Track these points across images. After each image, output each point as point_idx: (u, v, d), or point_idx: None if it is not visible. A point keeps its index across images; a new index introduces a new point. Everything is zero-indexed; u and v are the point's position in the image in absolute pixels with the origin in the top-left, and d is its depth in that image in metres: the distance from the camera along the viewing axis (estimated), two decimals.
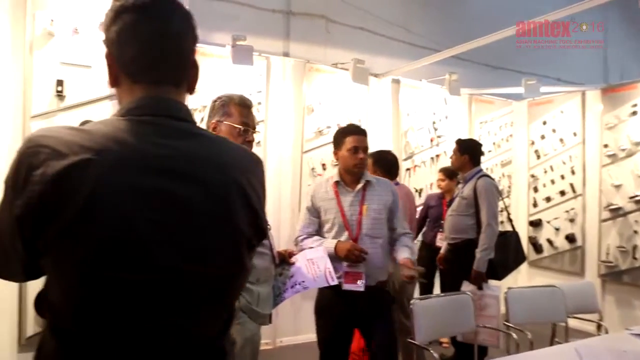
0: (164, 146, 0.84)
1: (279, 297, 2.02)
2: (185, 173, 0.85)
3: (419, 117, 4.38)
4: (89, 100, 2.59)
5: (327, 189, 2.29)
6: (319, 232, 2.29)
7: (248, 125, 1.68)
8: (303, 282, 2.00)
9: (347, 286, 2.16)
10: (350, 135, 2.25)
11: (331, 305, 2.23)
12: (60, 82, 2.53)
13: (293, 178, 3.69)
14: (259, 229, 0.96)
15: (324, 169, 3.78)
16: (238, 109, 1.68)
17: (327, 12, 4.18)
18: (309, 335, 3.84)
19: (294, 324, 3.75)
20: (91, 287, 0.81)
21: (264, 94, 3.54)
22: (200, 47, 3.31)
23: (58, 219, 0.77)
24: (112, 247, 0.79)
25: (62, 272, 0.81)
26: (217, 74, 3.37)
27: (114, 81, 0.91)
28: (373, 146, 3.78)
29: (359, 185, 2.24)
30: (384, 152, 3.16)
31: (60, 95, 2.54)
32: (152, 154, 0.83)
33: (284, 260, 2.00)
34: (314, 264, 2.04)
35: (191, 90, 0.96)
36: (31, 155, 0.79)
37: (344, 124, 3.83)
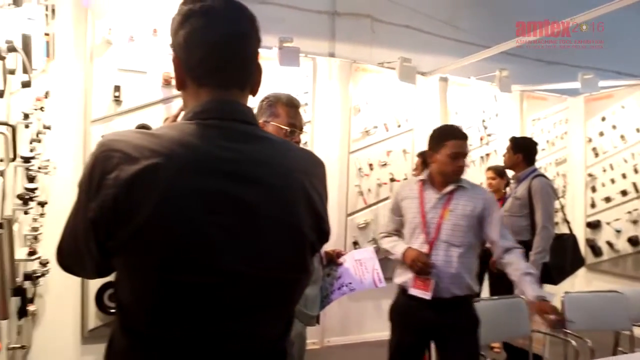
0: (229, 149, 0.85)
1: (327, 299, 2.01)
2: (250, 176, 0.86)
3: (467, 115, 4.27)
4: (143, 105, 2.70)
5: (412, 187, 2.19)
6: (400, 231, 2.21)
7: (295, 126, 1.67)
8: (350, 283, 1.98)
9: (413, 291, 2.07)
10: (451, 140, 2.08)
11: (405, 310, 2.15)
12: (117, 88, 2.65)
13: (340, 178, 3.69)
14: (322, 232, 0.95)
15: (371, 169, 3.76)
16: (285, 109, 1.67)
17: (372, 12, 4.15)
18: (357, 336, 3.85)
19: (342, 324, 3.75)
20: (159, 289, 0.83)
21: (311, 95, 3.56)
22: None
23: (130, 222, 0.79)
24: (179, 250, 0.81)
25: (131, 273, 0.84)
26: (265, 76, 3.40)
27: (180, 84, 0.94)
28: (422, 146, 3.74)
29: (447, 189, 2.10)
30: None
31: (117, 100, 2.66)
32: (218, 158, 0.84)
33: (332, 260, 1.99)
34: (362, 265, 2.00)
35: (254, 92, 0.98)
36: (104, 160, 0.81)
37: (390, 124, 3.86)
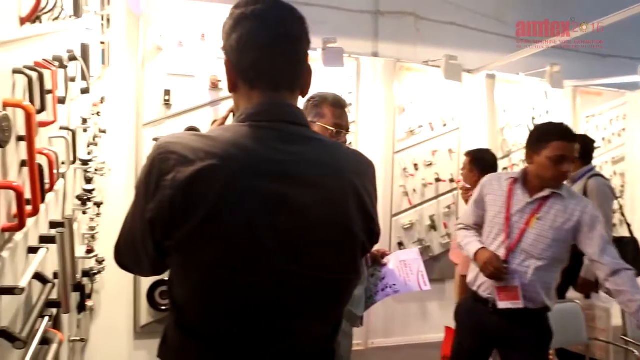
0: (282, 151, 0.87)
1: (370, 300, 1.98)
2: (302, 177, 0.87)
3: (516, 113, 4.13)
4: (192, 108, 2.78)
5: (501, 183, 2.01)
6: (480, 226, 2.06)
7: (341, 126, 1.66)
8: (394, 285, 1.93)
9: (502, 304, 1.88)
10: (556, 140, 1.85)
11: (469, 312, 2.07)
12: (167, 92, 2.74)
13: (384, 179, 3.65)
14: (373, 233, 0.95)
15: (416, 169, 3.70)
16: (331, 109, 1.66)
17: (416, 10, 4.08)
18: (401, 337, 3.81)
19: (386, 325, 3.72)
20: (212, 287, 0.85)
21: (355, 95, 3.55)
22: None
23: (186, 222, 0.81)
24: (234, 250, 0.83)
25: (187, 272, 0.87)
26: None
27: (232, 87, 0.96)
28: (468, 145, 3.65)
29: (541, 194, 1.90)
30: (482, 150, 3.03)
31: (167, 104, 2.75)
32: (271, 159, 0.86)
33: (376, 260, 1.96)
34: (407, 266, 1.95)
35: (304, 93, 0.99)
36: (161, 162, 0.84)
37: (436, 123, 3.79)
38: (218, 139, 0.86)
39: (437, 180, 3.76)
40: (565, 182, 1.99)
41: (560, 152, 1.84)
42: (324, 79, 3.43)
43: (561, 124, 1.94)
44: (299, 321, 0.90)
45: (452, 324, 2.39)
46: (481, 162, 2.90)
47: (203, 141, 0.85)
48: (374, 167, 1.00)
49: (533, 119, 4.18)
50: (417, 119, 3.72)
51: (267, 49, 0.91)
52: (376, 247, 1.96)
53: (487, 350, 2.05)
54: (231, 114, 1.18)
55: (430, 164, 3.74)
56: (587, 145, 2.98)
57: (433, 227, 3.74)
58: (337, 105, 1.68)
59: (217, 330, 0.88)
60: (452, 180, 3.79)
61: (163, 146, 0.86)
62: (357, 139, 3.57)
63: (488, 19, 4.33)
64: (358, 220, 0.90)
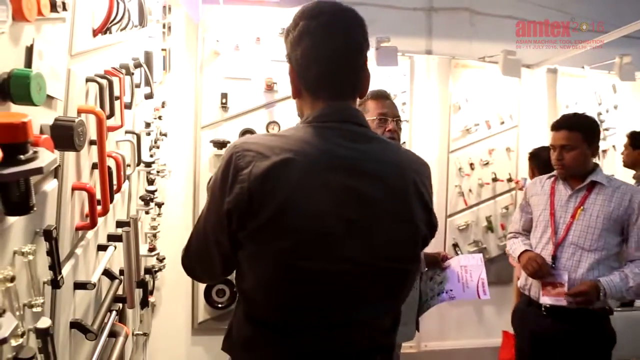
0: (349, 148, 0.94)
1: (426, 304, 1.94)
2: (368, 172, 0.94)
3: (580, 108, 3.89)
4: (248, 110, 2.84)
5: (543, 182, 2.05)
6: (529, 232, 2.08)
7: (386, 114, 1.69)
8: (451, 290, 1.88)
9: (544, 299, 1.88)
10: (551, 130, 1.97)
11: (522, 315, 2.05)
12: (224, 95, 2.81)
13: (439, 179, 3.57)
14: (432, 226, 1.01)
15: (472, 168, 3.59)
16: (373, 103, 1.71)
17: (470, 4, 3.96)
18: (455, 341, 3.71)
19: (440, 329, 3.63)
20: (284, 275, 0.90)
21: (409, 94, 3.50)
22: None
23: (262, 211, 0.87)
24: (306, 239, 0.89)
25: (259, 261, 0.92)
26: None
27: (297, 94, 1.04)
28: (528, 143, 3.50)
29: (580, 185, 1.91)
30: (541, 149, 2.90)
31: (224, 106, 2.82)
32: (340, 155, 0.93)
33: (437, 264, 1.93)
34: (468, 272, 1.89)
35: (362, 95, 1.05)
36: (238, 158, 0.90)
37: (493, 121, 3.66)
38: (290, 137, 0.94)
39: (494, 180, 3.62)
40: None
41: (552, 141, 1.96)
42: (376, 78, 3.40)
43: (565, 114, 2.05)
44: (365, 311, 0.95)
45: (510, 329, 2.30)
46: (540, 161, 2.79)
47: (276, 139, 0.94)
48: (429, 167, 1.06)
49: (599, 114, 3.94)
50: (473, 117, 3.61)
51: (330, 63, 0.97)
52: (430, 249, 1.95)
53: (549, 356, 1.96)
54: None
55: (487, 163, 3.62)
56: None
57: (490, 228, 3.61)
58: (378, 97, 1.73)
59: (286, 319, 0.94)
60: (510, 180, 3.64)
61: (239, 145, 0.93)
62: (411, 139, 3.51)
63: (549, 10, 4.12)
64: (419, 214, 0.97)
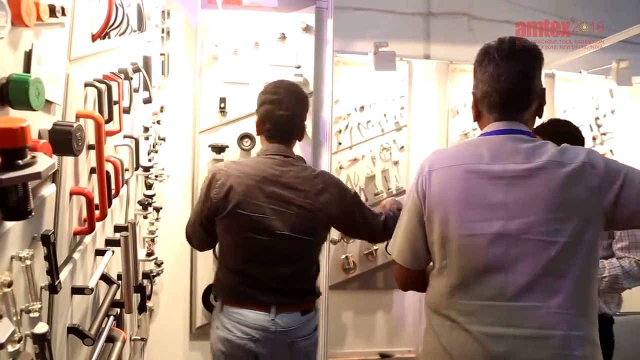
0: (275, 169, 1.83)
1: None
2: (288, 183, 1.78)
3: (578, 113, 3.92)
4: (246, 114, 2.83)
5: None
6: None
7: None
8: None
9: None
10: None
11: None
12: (223, 100, 2.81)
13: None
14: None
15: None
16: None
17: (469, 9, 3.98)
18: None
19: None
20: (241, 242, 1.77)
21: (407, 99, 3.51)
22: (342, 57, 3.41)
23: (226, 206, 1.76)
24: (252, 222, 1.73)
25: (227, 234, 1.79)
26: (360, 82, 3.43)
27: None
28: None
29: None
30: None
31: (223, 111, 2.82)
32: (270, 173, 1.79)
33: None
34: None
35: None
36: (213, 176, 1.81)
37: None
38: (245, 164, 1.90)
39: None
40: None
41: None
42: (375, 83, 3.41)
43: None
44: (287, 266, 1.79)
45: None
46: None
47: (238, 165, 1.89)
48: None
49: (596, 119, 3.96)
50: (471, 122, 3.56)
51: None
52: None
53: None
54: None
55: None
56: None
57: None
58: None
59: (241, 267, 1.79)
60: None
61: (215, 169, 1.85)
62: (410, 143, 3.52)
63: (547, 15, 4.14)
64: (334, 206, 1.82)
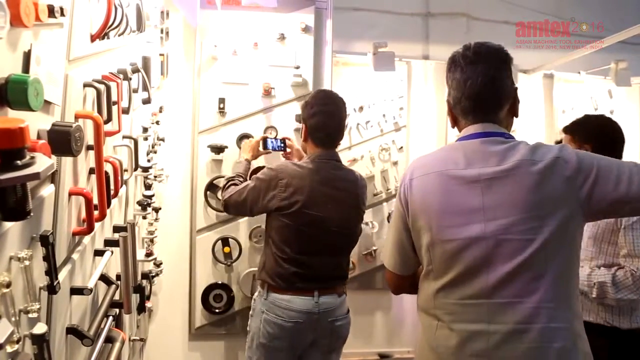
0: (330, 172, 2.11)
1: None
2: (339, 185, 2.14)
3: (577, 113, 3.90)
4: (245, 115, 2.83)
5: None
6: None
7: None
8: None
9: None
10: None
11: None
12: (222, 100, 2.81)
13: None
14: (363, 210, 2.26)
15: None
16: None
17: (468, 10, 3.98)
18: None
19: None
20: (297, 237, 2.04)
21: (406, 99, 3.51)
22: (341, 57, 3.42)
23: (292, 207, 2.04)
24: (312, 219, 2.02)
25: (286, 230, 2.04)
26: (359, 82, 3.44)
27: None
28: None
29: None
30: None
31: (222, 111, 2.82)
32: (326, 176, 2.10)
33: None
34: None
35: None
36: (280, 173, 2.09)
37: None
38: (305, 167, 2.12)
39: None
40: None
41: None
42: (373, 84, 3.41)
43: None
44: (336, 257, 2.13)
45: None
46: None
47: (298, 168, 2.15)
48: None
49: None
50: None
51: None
52: None
53: None
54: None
55: None
56: None
57: None
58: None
59: (295, 257, 2.03)
60: None
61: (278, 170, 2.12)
62: (409, 144, 3.52)
63: (546, 15, 4.15)
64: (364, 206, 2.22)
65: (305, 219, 2.00)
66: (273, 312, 2.01)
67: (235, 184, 2.17)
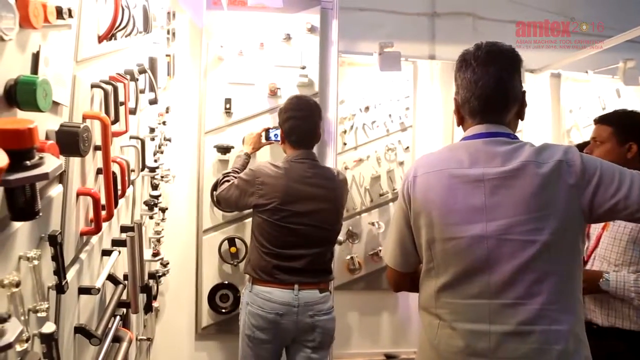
0: (308, 171, 2.22)
1: None
2: (318, 183, 2.22)
3: (584, 113, 3.90)
4: (252, 115, 2.84)
5: None
6: None
7: None
8: None
9: None
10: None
11: None
12: (228, 100, 2.82)
13: None
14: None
15: None
16: None
17: (474, 9, 3.97)
18: None
19: None
20: (276, 232, 2.14)
21: (412, 99, 3.50)
22: (347, 57, 3.42)
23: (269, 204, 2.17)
24: (289, 215, 2.13)
25: (265, 225, 2.16)
26: (365, 82, 3.43)
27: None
28: None
29: None
30: (582, 144, 2.88)
31: (228, 112, 2.83)
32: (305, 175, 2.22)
33: None
34: None
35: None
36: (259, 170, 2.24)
37: None
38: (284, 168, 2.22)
39: None
40: None
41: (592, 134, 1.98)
42: (380, 84, 3.41)
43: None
44: (314, 250, 2.16)
45: None
46: None
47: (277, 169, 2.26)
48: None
49: None
50: None
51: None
52: None
53: None
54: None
55: None
56: None
57: None
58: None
59: (275, 251, 2.13)
60: None
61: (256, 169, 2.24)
62: (415, 144, 3.51)
63: (553, 14, 4.12)
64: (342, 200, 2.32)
65: (282, 215, 2.13)
66: (256, 304, 2.12)
67: (228, 181, 2.31)
